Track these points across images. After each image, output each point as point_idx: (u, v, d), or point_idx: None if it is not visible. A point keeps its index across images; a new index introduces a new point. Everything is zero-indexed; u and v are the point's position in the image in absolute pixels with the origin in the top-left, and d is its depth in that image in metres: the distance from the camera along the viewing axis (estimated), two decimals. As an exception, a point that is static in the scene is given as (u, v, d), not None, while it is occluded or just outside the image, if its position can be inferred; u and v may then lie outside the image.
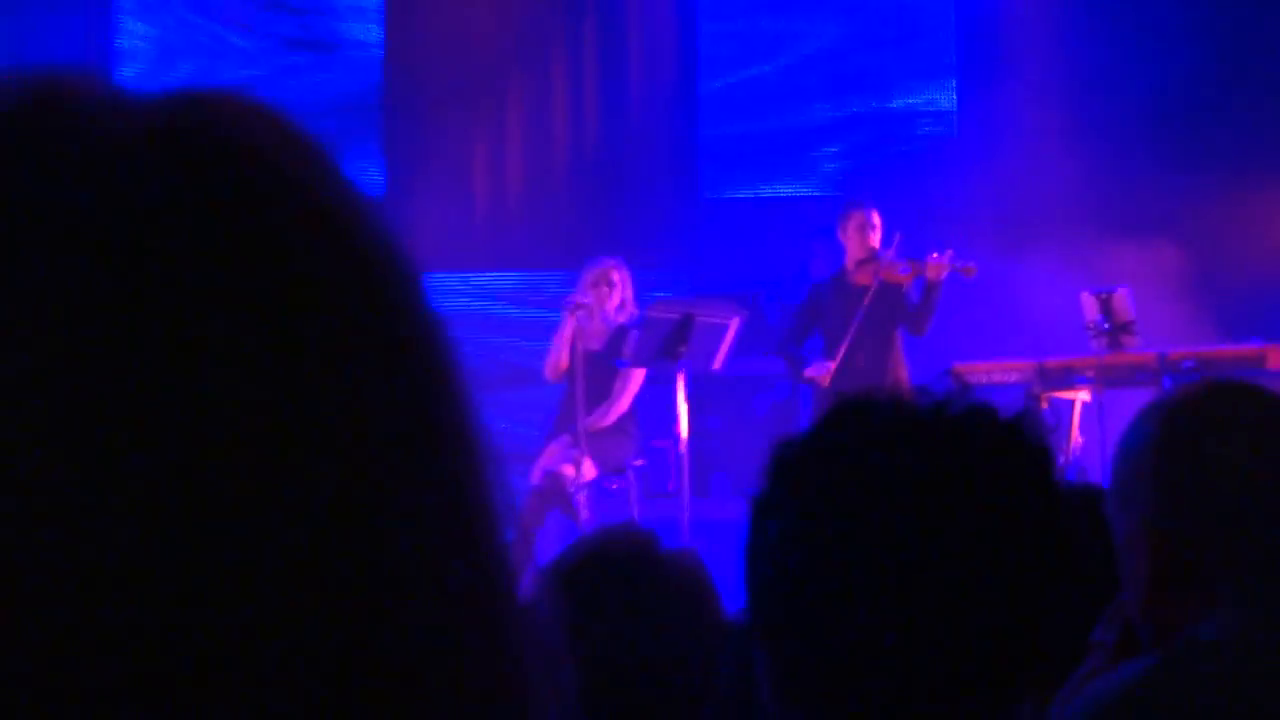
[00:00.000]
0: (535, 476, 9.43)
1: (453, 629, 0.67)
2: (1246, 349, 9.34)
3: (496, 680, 0.68)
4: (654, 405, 9.74)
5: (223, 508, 0.64)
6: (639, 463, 9.77)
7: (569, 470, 9.43)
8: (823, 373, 9.74)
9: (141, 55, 12.15)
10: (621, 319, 9.74)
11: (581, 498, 9.45)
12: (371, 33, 12.31)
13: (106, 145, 0.67)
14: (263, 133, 0.70)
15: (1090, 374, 9.59)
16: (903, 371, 9.71)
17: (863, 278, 9.84)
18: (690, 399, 9.38)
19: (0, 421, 0.63)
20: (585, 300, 9.74)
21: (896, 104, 12.15)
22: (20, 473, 0.63)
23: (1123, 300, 9.80)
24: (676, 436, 9.38)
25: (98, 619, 0.63)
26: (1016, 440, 1.82)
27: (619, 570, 2.85)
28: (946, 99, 12.11)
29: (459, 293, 11.97)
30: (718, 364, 9.41)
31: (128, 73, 11.68)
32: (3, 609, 0.63)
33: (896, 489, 1.77)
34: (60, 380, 0.63)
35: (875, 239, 9.89)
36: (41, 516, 0.63)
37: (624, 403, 9.77)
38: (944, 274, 9.73)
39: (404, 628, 0.66)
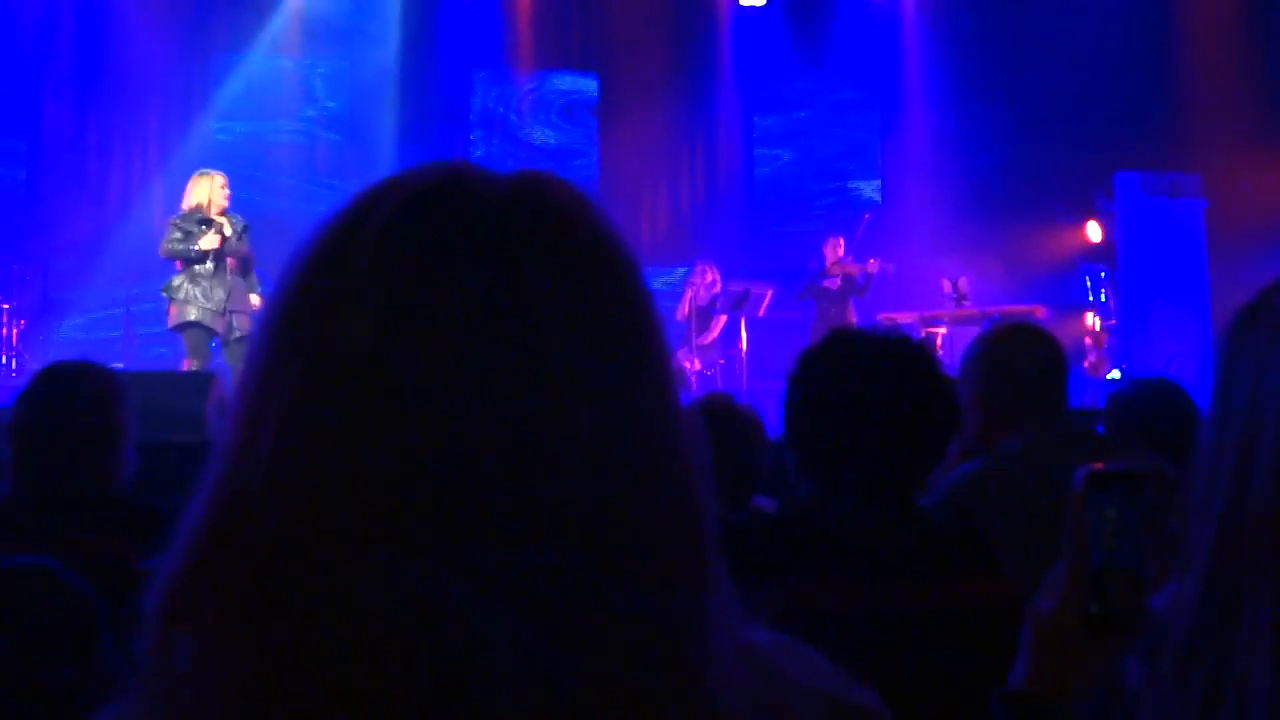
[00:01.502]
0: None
1: (674, 445, 0.64)
2: (1026, 307, 9.10)
3: (689, 464, 0.66)
4: (730, 333, 9.70)
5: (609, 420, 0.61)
6: (722, 362, 9.70)
7: (687, 364, 9.43)
8: (833, 281, 9.55)
9: (480, 159, 12.09)
10: (715, 290, 9.67)
11: (693, 379, 9.45)
12: (592, 150, 12.24)
13: (491, 202, 0.63)
14: (569, 194, 0.66)
15: (946, 320, 9.40)
16: (853, 318, 9.59)
17: (834, 272, 9.73)
18: (748, 329, 9.38)
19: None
20: (695, 281, 9.73)
21: (851, 186, 11.97)
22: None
23: (965, 283, 9.62)
24: (739, 348, 9.35)
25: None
26: (922, 351, 1.82)
27: (714, 413, 2.84)
28: (875, 186, 11.93)
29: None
30: (761, 313, 9.40)
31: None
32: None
33: (865, 373, 1.77)
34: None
35: (840, 252, 9.75)
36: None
37: (715, 332, 9.67)
38: (876, 270, 9.58)
39: (662, 441, 0.64)
